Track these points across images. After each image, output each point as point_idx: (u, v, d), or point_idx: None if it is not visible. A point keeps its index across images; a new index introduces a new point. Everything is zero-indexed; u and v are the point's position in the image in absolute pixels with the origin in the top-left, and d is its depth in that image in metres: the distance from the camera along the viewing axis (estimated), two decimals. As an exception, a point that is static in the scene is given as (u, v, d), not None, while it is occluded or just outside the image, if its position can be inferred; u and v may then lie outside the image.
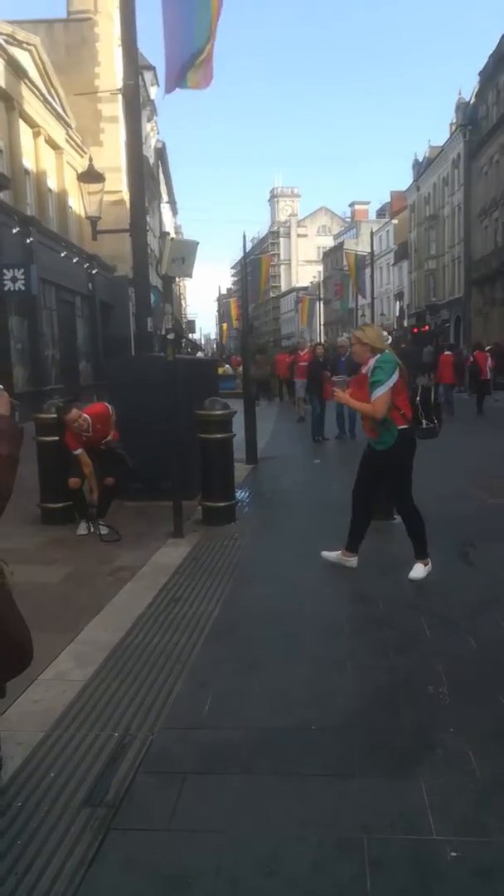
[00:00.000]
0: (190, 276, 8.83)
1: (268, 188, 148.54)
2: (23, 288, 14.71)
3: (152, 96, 32.46)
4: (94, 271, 23.50)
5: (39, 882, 2.15)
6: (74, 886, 2.14)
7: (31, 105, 19.47)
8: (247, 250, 14.86)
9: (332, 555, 5.22)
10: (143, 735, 2.97)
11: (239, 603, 4.58)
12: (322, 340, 46.71)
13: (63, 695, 3.28)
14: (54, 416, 6.64)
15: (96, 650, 3.79)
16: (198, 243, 8.62)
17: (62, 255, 20.43)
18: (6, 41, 17.56)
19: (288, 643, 3.90)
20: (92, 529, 6.28)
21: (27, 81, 18.92)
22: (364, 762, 2.75)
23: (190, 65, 7.73)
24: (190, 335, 48.03)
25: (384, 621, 4.19)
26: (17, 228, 16.79)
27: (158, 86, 35.47)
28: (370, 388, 4.70)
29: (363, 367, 4.87)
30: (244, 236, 14.28)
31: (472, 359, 17.95)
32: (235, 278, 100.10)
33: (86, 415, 6.27)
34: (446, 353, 18.12)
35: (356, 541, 5.09)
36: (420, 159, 52.26)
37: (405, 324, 50.91)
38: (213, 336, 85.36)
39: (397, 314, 56.04)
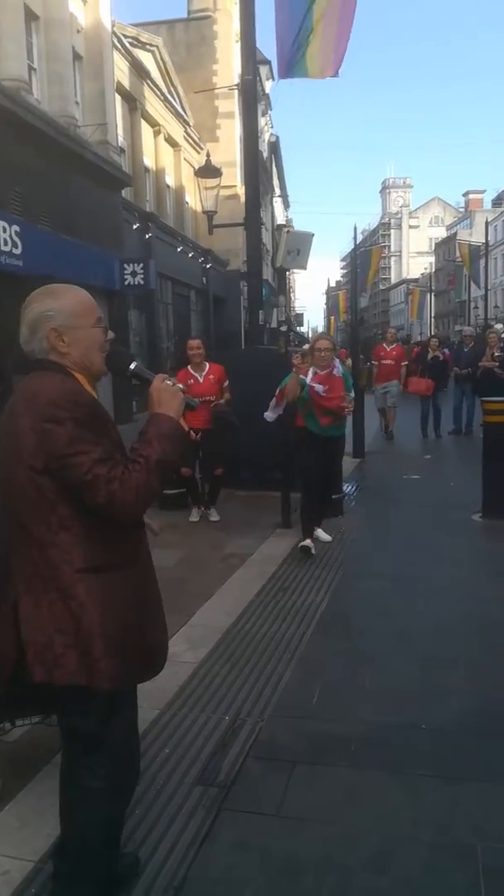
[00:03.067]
0: (304, 267, 8.85)
1: (379, 179, 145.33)
2: (142, 282, 15.22)
3: (267, 90, 32.59)
4: (208, 265, 23.98)
5: (156, 852, 2.25)
6: (189, 860, 2.21)
7: (153, 104, 20.09)
8: (357, 242, 14.64)
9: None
10: (252, 720, 3.02)
11: (347, 596, 4.56)
12: (433, 332, 45.30)
13: (176, 675, 3.38)
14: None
15: (208, 634, 3.89)
16: (313, 235, 8.62)
17: (178, 249, 20.98)
18: (131, 44, 18.18)
19: (398, 639, 3.85)
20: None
21: (149, 82, 19.53)
22: (477, 766, 2.67)
23: (300, 52, 7.68)
24: (298, 328, 48.09)
25: (499, 622, 4.04)
26: (137, 224, 17.39)
27: (274, 80, 35.67)
28: None
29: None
30: (355, 228, 14.08)
31: None
32: (345, 271, 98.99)
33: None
34: None
35: None
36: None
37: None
38: (320, 329, 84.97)
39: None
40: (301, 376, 5.19)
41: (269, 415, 5.47)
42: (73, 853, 1.87)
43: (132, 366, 1.89)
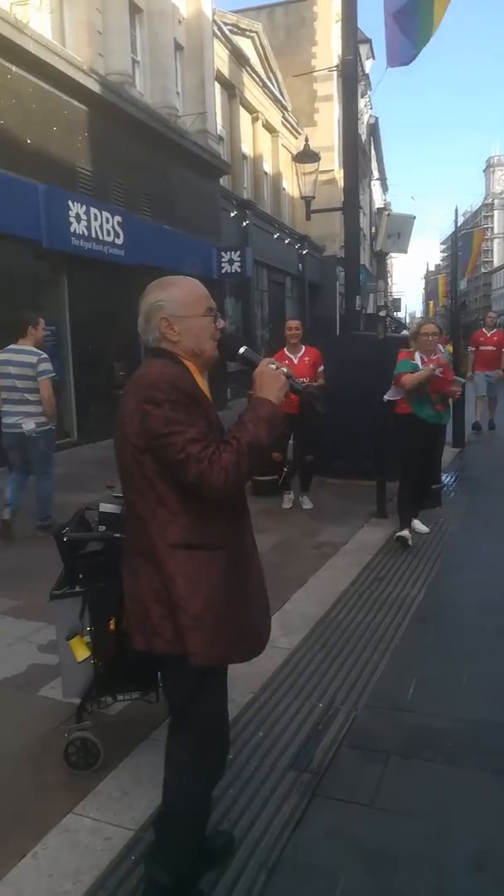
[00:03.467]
0: (405, 251, 8.61)
1: (483, 158, 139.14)
2: (238, 270, 15.33)
3: (367, 70, 31.87)
4: (304, 252, 23.84)
5: (250, 832, 2.28)
6: (283, 842, 2.24)
7: (251, 91, 20.09)
8: (458, 225, 14.06)
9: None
10: (346, 709, 3.01)
11: (445, 589, 4.44)
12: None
13: (270, 660, 3.41)
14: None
15: (302, 620, 3.90)
16: (414, 217, 8.37)
17: (275, 236, 20.96)
18: (231, 31, 18.23)
19: (499, 635, 3.71)
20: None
21: (248, 69, 19.53)
22: None
23: (418, 40, 7.40)
24: (395, 313, 47.02)
25: None
26: (235, 212, 17.51)
27: (374, 59, 34.80)
28: None
29: None
30: (455, 210, 13.52)
31: None
32: (445, 254, 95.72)
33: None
34: None
35: None
36: None
37: None
38: (418, 314, 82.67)
39: None
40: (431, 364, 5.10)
41: (391, 394, 5.41)
42: (164, 821, 1.96)
43: (241, 350, 1.93)
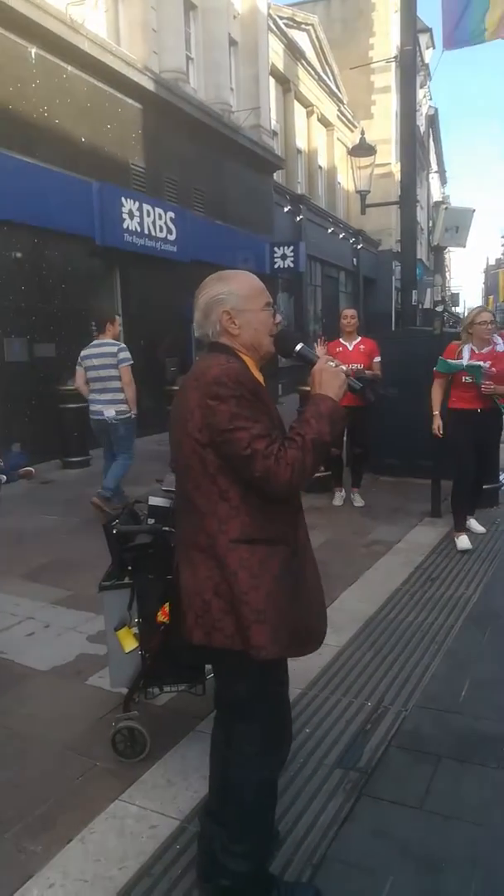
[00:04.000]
0: (464, 245, 8.42)
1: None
2: (291, 265, 15.28)
3: (427, 60, 31.26)
4: (359, 246, 23.58)
5: (295, 828, 2.27)
6: (328, 841, 2.21)
7: (306, 85, 19.96)
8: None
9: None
10: (396, 709, 2.95)
11: (501, 590, 4.31)
12: None
13: (319, 657, 3.36)
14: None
15: (351, 619, 3.85)
16: (473, 211, 8.17)
17: (329, 231, 20.79)
18: (286, 24, 18.14)
19: None
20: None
21: (303, 62, 19.41)
22: None
23: (478, 15, 7.19)
24: (453, 309, 46.08)
25: None
26: (289, 207, 17.45)
27: (434, 48, 34.10)
28: None
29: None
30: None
31: None
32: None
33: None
34: None
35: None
36: None
37: None
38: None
39: None
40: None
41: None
42: (233, 815, 1.94)
43: (298, 347, 1.92)
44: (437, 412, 5.20)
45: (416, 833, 2.24)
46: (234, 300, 1.85)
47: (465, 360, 4.94)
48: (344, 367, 1.87)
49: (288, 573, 1.80)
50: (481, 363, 4.90)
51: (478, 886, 2.03)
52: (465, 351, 5.00)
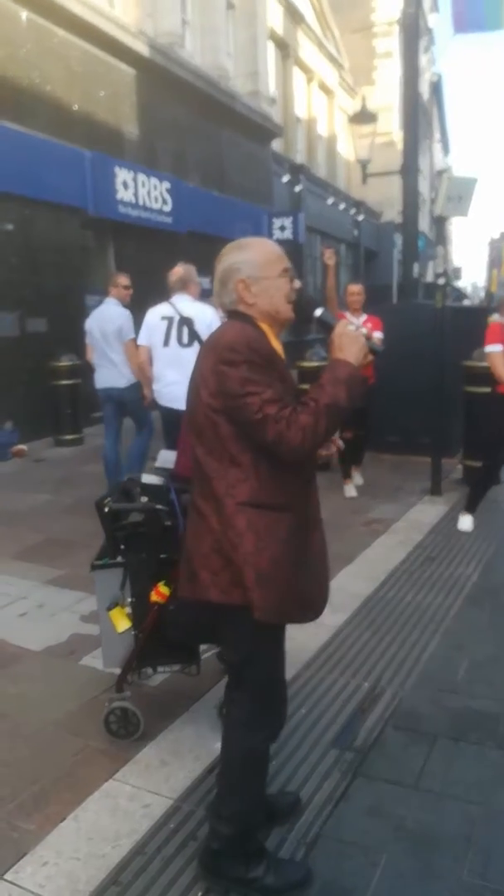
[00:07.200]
0: (466, 214, 8.26)
1: None
2: (290, 237, 15.04)
3: (430, 24, 30.52)
4: (360, 218, 23.23)
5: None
6: (322, 819, 2.21)
7: (306, 50, 19.47)
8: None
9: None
10: (393, 689, 2.94)
11: (500, 569, 4.29)
12: None
13: (316, 637, 3.35)
14: (316, 364, 6.77)
15: (349, 598, 3.82)
16: (476, 180, 8.00)
17: (329, 202, 20.46)
18: (285, -14, 17.64)
19: None
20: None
21: (303, 26, 18.90)
22: None
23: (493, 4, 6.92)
24: (456, 282, 45.63)
25: None
26: (288, 177, 17.13)
27: (438, 12, 33.28)
28: None
29: None
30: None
31: None
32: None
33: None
34: None
35: None
36: None
37: None
38: (481, 284, 79.92)
39: None
40: None
41: None
42: (223, 776, 2.01)
43: (317, 312, 1.90)
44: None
45: (410, 812, 2.24)
46: (249, 269, 1.84)
47: None
48: (364, 330, 1.83)
49: (294, 540, 1.82)
50: None
51: (472, 864, 2.03)
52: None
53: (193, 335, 4.59)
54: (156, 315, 4.82)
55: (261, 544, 1.77)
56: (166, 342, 4.71)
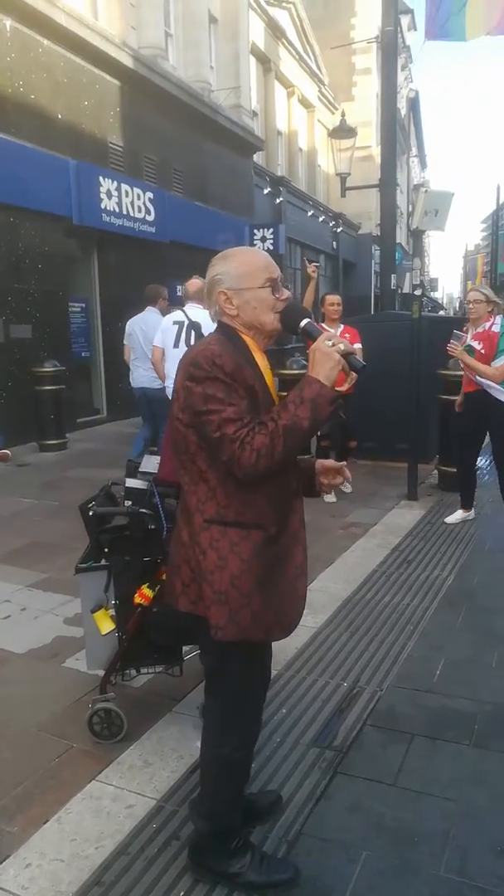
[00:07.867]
0: (443, 229, 8.43)
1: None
2: (271, 248, 15.18)
3: (408, 42, 31.04)
4: (339, 229, 23.49)
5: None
6: (303, 817, 2.24)
7: (287, 65, 19.71)
8: (500, 202, 13.69)
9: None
10: (371, 689, 2.99)
11: (475, 572, 4.37)
12: None
13: (295, 638, 3.38)
14: (296, 372, 6.87)
15: (328, 600, 3.88)
16: (452, 195, 8.17)
17: (309, 214, 20.67)
18: (267, 2, 17.86)
19: (530, 621, 3.64)
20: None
21: (284, 41, 19.15)
22: None
23: (457, 10, 7.12)
24: (432, 293, 46.21)
25: None
26: (269, 189, 17.30)
27: (416, 30, 33.87)
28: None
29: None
30: (498, 188, 13.21)
31: None
32: (486, 233, 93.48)
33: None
34: None
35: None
36: None
37: None
38: (456, 295, 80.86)
39: None
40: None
41: None
42: (201, 774, 2.06)
43: (303, 323, 1.79)
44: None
45: (389, 809, 2.28)
46: (229, 280, 1.80)
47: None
48: (342, 346, 1.69)
49: (260, 558, 1.76)
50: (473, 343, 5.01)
51: (449, 859, 2.07)
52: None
53: (200, 338, 5.09)
54: (169, 320, 5.60)
55: (221, 563, 1.74)
56: (176, 343, 5.42)
